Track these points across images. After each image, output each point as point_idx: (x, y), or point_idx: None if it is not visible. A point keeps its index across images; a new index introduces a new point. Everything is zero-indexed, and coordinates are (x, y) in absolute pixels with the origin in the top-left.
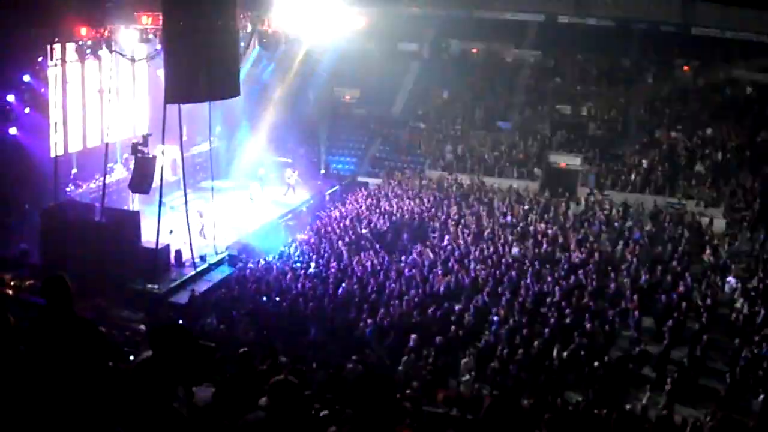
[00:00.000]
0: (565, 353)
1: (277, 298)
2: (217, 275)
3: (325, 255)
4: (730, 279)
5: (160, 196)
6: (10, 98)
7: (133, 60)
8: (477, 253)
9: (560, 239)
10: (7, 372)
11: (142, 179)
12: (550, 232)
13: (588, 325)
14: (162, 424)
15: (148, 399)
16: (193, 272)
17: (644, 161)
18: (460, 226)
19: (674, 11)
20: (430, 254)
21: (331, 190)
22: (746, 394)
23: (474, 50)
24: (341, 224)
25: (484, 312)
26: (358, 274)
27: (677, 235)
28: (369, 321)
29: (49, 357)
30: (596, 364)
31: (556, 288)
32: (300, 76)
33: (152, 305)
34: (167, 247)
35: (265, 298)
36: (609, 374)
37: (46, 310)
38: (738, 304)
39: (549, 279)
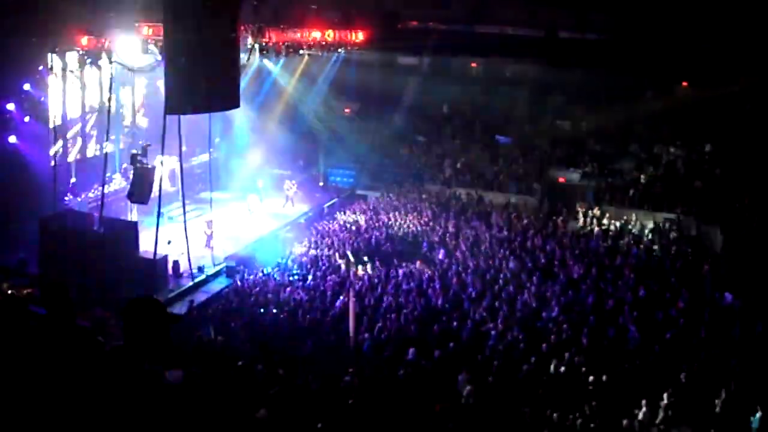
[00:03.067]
0: (562, 368)
1: (275, 310)
2: (215, 286)
3: (323, 267)
4: (728, 295)
5: (159, 207)
6: (10, 107)
7: (133, 70)
8: (474, 267)
9: (558, 254)
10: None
11: (140, 189)
12: (548, 247)
13: (585, 340)
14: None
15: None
16: (191, 283)
17: (643, 177)
18: (459, 241)
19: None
20: (428, 268)
21: (329, 203)
22: (744, 411)
23: (473, 65)
24: (339, 237)
25: (482, 326)
26: (356, 286)
27: (675, 250)
28: (366, 334)
29: (48, 365)
30: (593, 379)
31: (554, 303)
32: (299, 89)
33: None
34: (165, 258)
35: (262, 310)
36: (606, 389)
37: (47, 318)
38: (736, 320)
39: (547, 294)
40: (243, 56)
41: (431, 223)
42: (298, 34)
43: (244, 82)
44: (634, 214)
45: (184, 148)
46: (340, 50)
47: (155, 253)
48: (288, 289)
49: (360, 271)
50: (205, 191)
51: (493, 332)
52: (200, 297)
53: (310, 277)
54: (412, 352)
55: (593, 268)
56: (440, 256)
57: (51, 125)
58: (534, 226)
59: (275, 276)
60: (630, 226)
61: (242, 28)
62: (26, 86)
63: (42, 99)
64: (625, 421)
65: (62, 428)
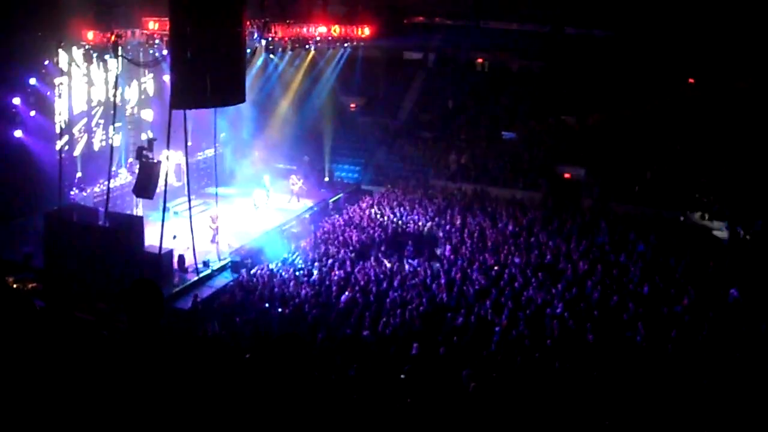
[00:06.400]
0: (567, 364)
1: (279, 306)
2: (220, 281)
3: (328, 263)
4: (733, 291)
5: (164, 202)
6: (16, 101)
7: (138, 65)
8: (480, 263)
9: (563, 250)
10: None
11: (146, 184)
12: (553, 242)
13: (590, 337)
14: None
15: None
16: (195, 278)
17: (648, 172)
18: (464, 236)
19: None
20: (434, 264)
21: (335, 198)
22: (749, 408)
23: (479, 60)
24: (344, 232)
25: (487, 322)
26: (361, 282)
27: (681, 246)
28: (371, 329)
29: (47, 359)
30: (597, 375)
31: (559, 299)
32: (305, 84)
33: None
34: (170, 253)
35: (267, 305)
36: (610, 386)
37: (46, 312)
38: (741, 317)
39: (552, 290)
40: (249, 51)
41: (436, 219)
42: (304, 29)
43: (249, 78)
44: (640, 210)
45: (189, 143)
46: (346, 45)
47: (160, 248)
48: (293, 283)
49: (365, 267)
50: (210, 186)
51: (497, 328)
52: (205, 292)
53: (315, 272)
54: (416, 348)
55: (598, 264)
56: (445, 252)
57: (57, 120)
58: (539, 222)
59: (281, 271)
60: (635, 223)
61: (248, 23)
62: (32, 81)
63: (48, 93)
64: (629, 418)
65: (66, 422)
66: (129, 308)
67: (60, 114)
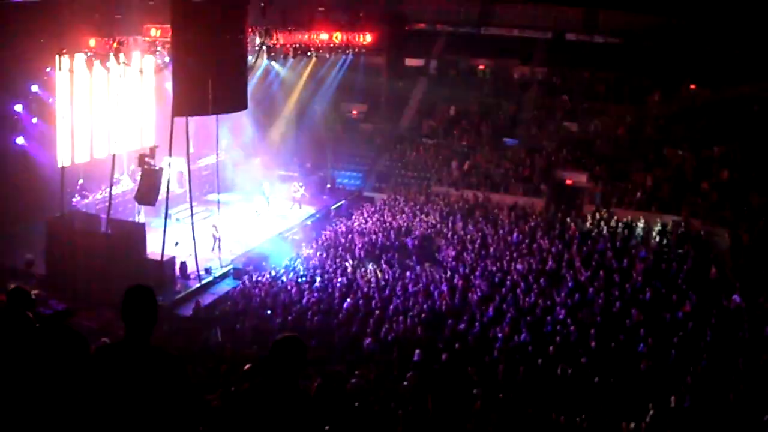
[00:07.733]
0: (569, 371)
1: (281, 313)
2: (222, 288)
3: (330, 269)
4: (735, 297)
5: (166, 209)
6: (18, 108)
7: (141, 72)
8: (482, 269)
9: (565, 256)
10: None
11: (148, 191)
12: (555, 249)
13: (593, 343)
14: None
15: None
16: (198, 285)
17: (650, 179)
18: (466, 243)
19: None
20: (435, 270)
21: (337, 205)
22: (752, 414)
23: (481, 66)
24: (346, 239)
25: (489, 329)
26: (363, 289)
27: (683, 253)
28: (373, 336)
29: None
30: (599, 381)
31: (561, 305)
32: (307, 91)
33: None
34: (172, 260)
35: (269, 312)
36: (613, 392)
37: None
38: (743, 322)
39: (554, 296)
40: (250, 58)
41: (438, 225)
42: (306, 36)
43: (251, 84)
44: (641, 216)
45: (191, 150)
46: (347, 52)
47: (162, 255)
48: (294, 290)
49: (368, 274)
50: (212, 193)
51: (500, 335)
52: (207, 299)
53: (317, 279)
54: (418, 354)
55: (601, 270)
56: (447, 258)
57: (58, 126)
58: (541, 228)
59: (282, 278)
60: (637, 229)
61: (249, 29)
62: (34, 87)
63: (50, 100)
64: (632, 424)
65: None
66: (125, 314)
67: (62, 120)
